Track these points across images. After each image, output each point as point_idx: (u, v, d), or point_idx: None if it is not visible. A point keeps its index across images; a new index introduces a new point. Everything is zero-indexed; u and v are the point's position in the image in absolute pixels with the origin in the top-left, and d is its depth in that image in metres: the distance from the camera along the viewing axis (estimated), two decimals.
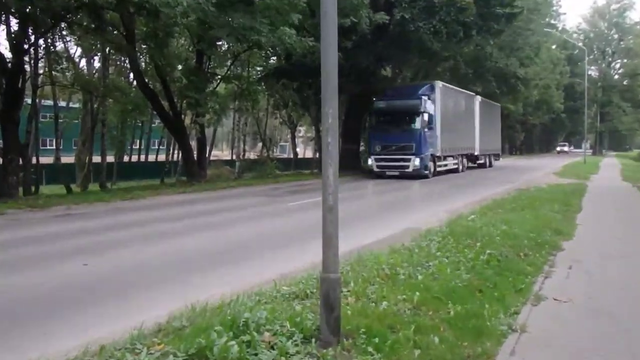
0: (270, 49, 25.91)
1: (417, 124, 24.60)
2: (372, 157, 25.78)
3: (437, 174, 26.23)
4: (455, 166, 29.62)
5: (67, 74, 28.07)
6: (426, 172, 24.87)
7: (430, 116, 25.35)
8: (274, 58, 32.06)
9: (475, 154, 33.92)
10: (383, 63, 30.37)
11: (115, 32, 22.63)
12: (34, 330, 5.01)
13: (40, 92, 26.57)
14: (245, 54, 27.39)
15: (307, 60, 23.32)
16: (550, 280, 6.44)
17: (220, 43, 25.72)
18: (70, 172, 32.11)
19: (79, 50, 33.55)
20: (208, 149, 36.58)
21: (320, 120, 4.48)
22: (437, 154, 26.41)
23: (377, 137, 25.74)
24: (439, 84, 27.09)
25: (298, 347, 4.04)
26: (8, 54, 19.17)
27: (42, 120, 34.24)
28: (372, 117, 26.87)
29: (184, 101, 24.51)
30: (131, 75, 32.02)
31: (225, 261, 7.95)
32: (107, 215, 13.23)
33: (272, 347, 4.01)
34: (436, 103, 26.34)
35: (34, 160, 25.08)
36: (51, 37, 23.82)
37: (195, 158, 25.03)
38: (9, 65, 18.15)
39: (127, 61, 29.12)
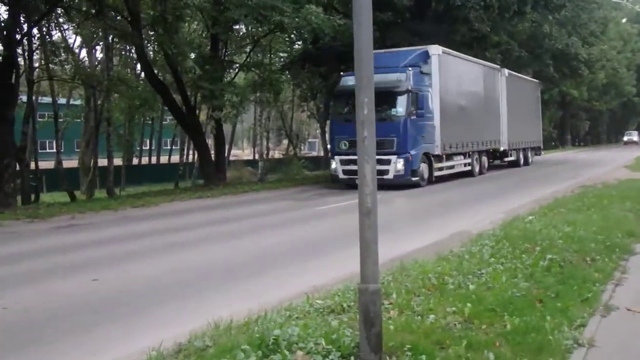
0: (294, 32, 26.08)
1: (401, 109, 19.74)
2: (336, 157, 20.66)
3: (435, 180, 21.43)
4: (468, 167, 24.66)
5: (66, 66, 28.69)
6: (415, 178, 20.05)
7: (423, 97, 20.47)
8: (299, 43, 32.25)
9: (502, 149, 28.65)
10: (425, 43, 30.29)
11: (118, 17, 23.10)
12: (37, 355, 5.17)
13: (37, 87, 27.31)
14: (267, 38, 27.64)
15: (336, 44, 23.41)
16: (622, 289, 6.40)
17: (237, 27, 26.03)
18: (73, 177, 32.88)
19: (79, 39, 34.39)
20: (227, 147, 36.99)
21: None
22: (436, 152, 21.50)
23: (343, 128, 20.26)
24: (437, 50, 21.71)
25: None
26: None
27: (40, 119, 35.21)
28: (336, 101, 21.70)
29: (198, 94, 24.85)
30: (138, 66, 32.71)
31: (250, 274, 8.09)
32: (116, 225, 13.55)
33: None
34: (433, 78, 21.39)
35: (32, 165, 25.73)
36: (46, 24, 24.35)
37: (213, 159, 25.34)
38: (0, 58, 18.62)
39: (133, 50, 29.71)
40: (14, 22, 18.93)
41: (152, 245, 10.56)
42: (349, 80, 20.26)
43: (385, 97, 19.27)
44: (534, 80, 36.82)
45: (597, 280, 6.56)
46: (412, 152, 19.89)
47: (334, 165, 20.92)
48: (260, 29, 24.50)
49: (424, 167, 20.60)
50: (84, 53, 36.20)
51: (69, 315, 6.36)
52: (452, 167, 23.23)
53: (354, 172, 19.19)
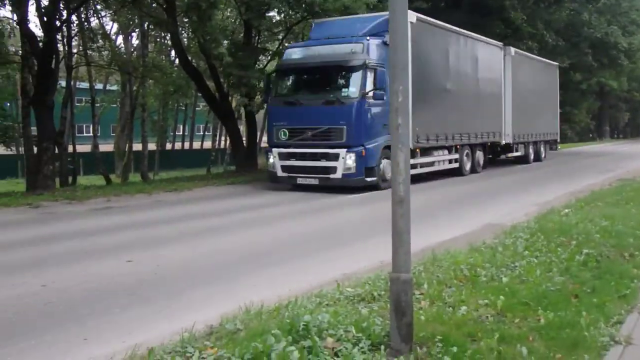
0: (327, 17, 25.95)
1: (354, 89, 15.61)
2: (274, 150, 16.57)
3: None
4: (455, 165, 20.31)
5: (103, 53, 29.12)
6: (372, 178, 15.64)
7: (386, 74, 15.27)
8: None
9: (504, 142, 24.20)
10: None
11: (154, 4, 23.30)
12: (74, 333, 5.25)
13: (75, 73, 27.79)
14: (299, 25, 27.56)
15: None
16: None
17: (271, 14, 26.02)
18: (109, 161, 33.45)
19: (115, 26, 34.81)
20: (258, 134, 37.10)
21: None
22: None
23: (283, 113, 16.69)
24: (409, 17, 16.13)
25: (365, 354, 4.10)
26: (39, 32, 20.14)
27: (78, 104, 35.88)
28: (277, 78, 17.81)
29: (230, 81, 24.96)
30: (173, 53, 32.97)
31: (280, 260, 8.13)
32: (150, 209, 13.74)
33: (336, 354, 4.10)
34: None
35: (70, 149, 26.23)
36: (84, 12, 24.75)
37: (245, 145, 25.44)
38: (40, 44, 18.96)
39: (167, 37, 29.97)
40: (54, 9, 19.26)
41: (185, 230, 10.68)
42: (294, 54, 17.13)
43: (333, 74, 16.36)
44: (551, 62, 31.75)
45: (636, 276, 6.41)
46: (368, 144, 15.61)
47: (271, 159, 16.70)
48: (292, 15, 24.37)
49: (386, 165, 15.80)
50: (120, 40, 36.64)
51: (104, 294, 6.47)
52: (430, 164, 18.87)
53: (296, 169, 16.06)
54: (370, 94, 15.52)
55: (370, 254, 7.76)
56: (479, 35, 22.67)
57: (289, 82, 17.46)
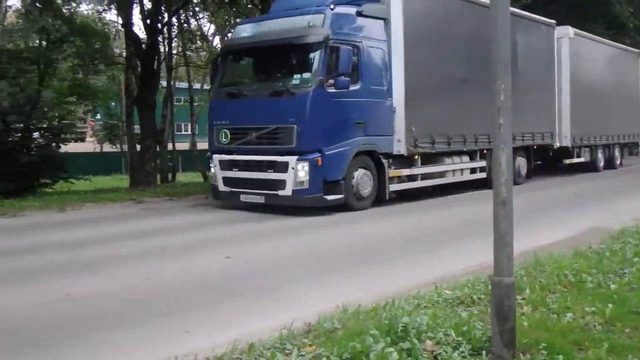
0: None
1: (308, 76, 11.84)
2: (215, 157, 13.09)
3: (397, 196, 13.44)
4: (479, 174, 15.63)
5: (201, 53, 30.21)
6: (334, 197, 11.75)
7: (351, 54, 11.87)
8: None
9: (558, 145, 19.36)
10: None
11: (249, 5, 23.92)
12: (176, 325, 5.42)
13: (175, 73, 29.00)
14: None
15: None
16: None
17: None
18: (205, 158, 34.65)
19: (212, 27, 35.99)
20: None
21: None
22: (396, 150, 13.12)
23: (225, 109, 12.95)
24: None
25: (466, 359, 4.05)
26: (141, 35, 21.27)
27: (177, 103, 37.39)
28: (222, 63, 13.71)
29: None
30: None
31: (375, 260, 8.09)
32: (246, 207, 14.04)
33: (436, 358, 4.06)
34: (394, 26, 12.99)
35: (170, 147, 27.43)
36: (184, 14, 25.83)
37: None
38: (143, 46, 19.94)
39: None
40: (156, 11, 20.23)
41: (281, 227, 10.90)
42: (243, 31, 13.26)
43: (286, 56, 12.70)
44: (630, 48, 25.69)
45: None
46: (329, 150, 11.71)
47: (212, 169, 13.33)
48: None
49: (361, 177, 12.30)
50: (217, 40, 37.79)
51: (204, 289, 6.67)
52: (439, 174, 14.61)
53: (242, 183, 12.32)
54: (332, 80, 11.70)
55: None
56: (520, 11, 17.90)
57: (235, 69, 13.95)
